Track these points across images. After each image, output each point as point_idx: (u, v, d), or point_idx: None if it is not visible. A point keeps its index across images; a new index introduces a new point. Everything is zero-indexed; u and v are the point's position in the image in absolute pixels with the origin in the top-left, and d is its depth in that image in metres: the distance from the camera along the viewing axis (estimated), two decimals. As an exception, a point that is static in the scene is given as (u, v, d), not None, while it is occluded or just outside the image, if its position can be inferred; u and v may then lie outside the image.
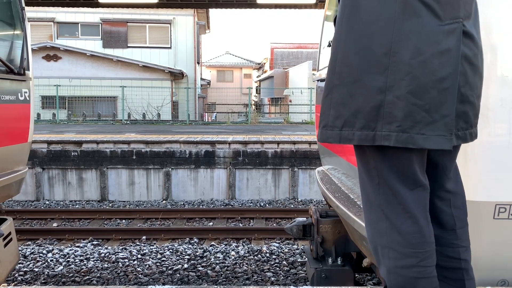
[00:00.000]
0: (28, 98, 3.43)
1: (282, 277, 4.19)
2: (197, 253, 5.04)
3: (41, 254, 5.09)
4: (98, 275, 4.50)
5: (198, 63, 23.93)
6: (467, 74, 1.34)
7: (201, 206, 8.16)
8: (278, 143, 8.97)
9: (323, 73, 3.84)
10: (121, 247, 5.42)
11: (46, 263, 4.82)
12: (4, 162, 3.22)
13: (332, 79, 1.39)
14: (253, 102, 26.81)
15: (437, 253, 1.47)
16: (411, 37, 1.26)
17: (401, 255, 1.38)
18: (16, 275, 4.49)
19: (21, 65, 3.32)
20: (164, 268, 4.61)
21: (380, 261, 1.46)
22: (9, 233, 3.01)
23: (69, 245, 5.65)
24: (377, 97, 1.28)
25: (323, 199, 5.30)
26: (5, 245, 2.92)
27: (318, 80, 4.26)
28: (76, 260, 4.90)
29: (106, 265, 4.76)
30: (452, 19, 1.28)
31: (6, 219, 3.03)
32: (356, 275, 3.53)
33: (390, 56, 1.27)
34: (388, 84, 1.27)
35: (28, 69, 3.38)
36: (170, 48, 21.31)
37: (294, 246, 5.38)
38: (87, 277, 4.46)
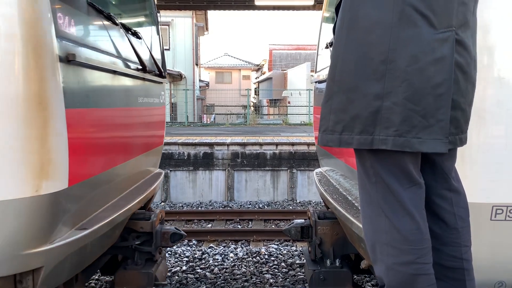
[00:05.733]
0: (164, 101, 3.49)
1: (280, 279, 4.19)
2: (196, 255, 5.03)
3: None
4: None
5: (197, 64, 23.94)
6: (459, 82, 1.38)
7: (199, 208, 8.15)
8: (276, 144, 8.97)
9: (322, 75, 3.84)
10: (119, 249, 5.41)
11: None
12: (151, 164, 3.31)
13: (332, 86, 1.44)
14: (252, 104, 26.83)
15: (439, 252, 1.50)
16: (408, 45, 1.31)
17: (400, 252, 1.41)
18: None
19: (163, 67, 3.36)
20: (163, 270, 4.60)
21: (377, 258, 1.49)
22: None
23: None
24: (374, 103, 1.34)
25: (322, 200, 5.29)
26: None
27: (316, 82, 4.27)
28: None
29: (104, 267, 4.75)
30: (445, 28, 1.33)
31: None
32: (355, 277, 3.53)
33: (387, 63, 1.32)
34: (385, 90, 1.32)
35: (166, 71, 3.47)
36: (168, 49, 21.31)
37: (292, 247, 5.38)
38: (86, 279, 4.45)
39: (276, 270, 4.49)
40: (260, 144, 8.98)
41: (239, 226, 6.89)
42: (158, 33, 3.49)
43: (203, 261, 4.85)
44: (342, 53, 1.41)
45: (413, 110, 1.31)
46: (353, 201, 2.73)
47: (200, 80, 27.78)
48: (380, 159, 1.42)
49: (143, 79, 2.99)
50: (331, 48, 3.29)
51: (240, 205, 8.36)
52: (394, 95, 1.32)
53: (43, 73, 1.72)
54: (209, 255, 5.05)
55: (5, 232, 1.68)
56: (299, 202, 8.60)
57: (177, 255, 5.07)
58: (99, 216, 2.24)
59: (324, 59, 3.77)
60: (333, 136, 1.43)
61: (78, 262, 2.13)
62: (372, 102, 1.34)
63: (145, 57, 3.06)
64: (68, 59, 1.87)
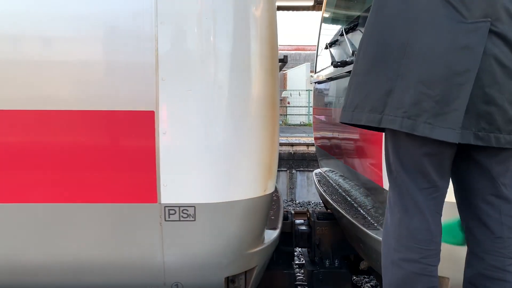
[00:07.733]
0: None
1: (279, 279, 4.19)
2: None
3: None
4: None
5: (197, 64, 23.88)
6: (496, 75, 1.30)
7: (199, 208, 8.13)
8: (276, 145, 8.97)
9: (321, 75, 3.84)
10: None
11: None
12: None
13: (355, 69, 1.50)
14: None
15: (482, 261, 1.47)
16: (430, 31, 1.30)
17: (405, 249, 1.43)
18: None
19: None
20: (162, 270, 4.58)
21: (385, 252, 1.52)
22: None
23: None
24: (388, 84, 1.36)
25: (321, 201, 5.28)
26: None
27: (316, 82, 4.27)
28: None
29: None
30: (478, 18, 1.28)
31: None
32: (354, 277, 3.52)
33: (406, 46, 1.33)
34: (400, 72, 1.33)
35: None
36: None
37: (291, 248, 5.37)
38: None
39: (275, 271, 4.48)
40: (260, 145, 8.98)
41: (238, 227, 6.87)
42: None
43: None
44: (367, 36, 1.46)
45: (425, 94, 1.29)
46: (352, 202, 2.74)
47: (199, 80, 27.70)
48: (399, 157, 1.45)
49: None
50: (331, 49, 3.30)
51: (239, 205, 8.34)
52: (408, 77, 1.32)
53: (275, 73, 1.74)
54: (208, 255, 5.04)
55: (236, 232, 1.67)
56: (298, 203, 8.59)
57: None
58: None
59: (324, 60, 3.77)
60: (347, 113, 1.48)
61: (267, 263, 2.11)
62: (386, 82, 1.36)
63: None
64: (283, 60, 1.88)
